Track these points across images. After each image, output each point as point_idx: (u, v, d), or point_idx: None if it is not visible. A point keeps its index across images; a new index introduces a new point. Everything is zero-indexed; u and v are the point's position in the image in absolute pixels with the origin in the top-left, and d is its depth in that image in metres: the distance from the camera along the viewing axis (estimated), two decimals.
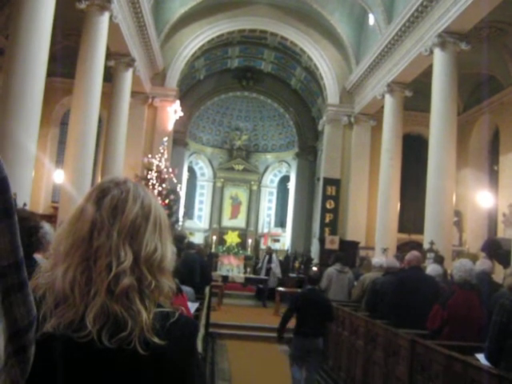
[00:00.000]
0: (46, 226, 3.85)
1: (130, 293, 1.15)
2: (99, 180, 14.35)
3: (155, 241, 1.21)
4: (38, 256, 3.14)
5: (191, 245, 9.80)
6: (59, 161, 18.14)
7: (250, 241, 26.68)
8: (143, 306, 1.15)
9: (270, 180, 28.92)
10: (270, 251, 18.24)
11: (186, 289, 5.08)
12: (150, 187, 15.78)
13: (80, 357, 1.12)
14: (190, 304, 4.58)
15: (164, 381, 1.15)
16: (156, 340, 1.12)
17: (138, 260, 1.18)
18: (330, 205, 20.41)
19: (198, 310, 5.87)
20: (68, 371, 1.11)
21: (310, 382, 6.46)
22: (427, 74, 14.24)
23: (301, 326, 6.45)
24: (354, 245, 16.78)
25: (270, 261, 17.42)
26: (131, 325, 1.12)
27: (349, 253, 14.10)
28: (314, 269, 16.53)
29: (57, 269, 1.17)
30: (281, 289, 14.70)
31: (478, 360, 3.84)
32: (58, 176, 16.49)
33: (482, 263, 6.24)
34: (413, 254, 6.35)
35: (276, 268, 17.19)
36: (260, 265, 18.53)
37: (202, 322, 6.88)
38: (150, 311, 1.15)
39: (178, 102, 20.20)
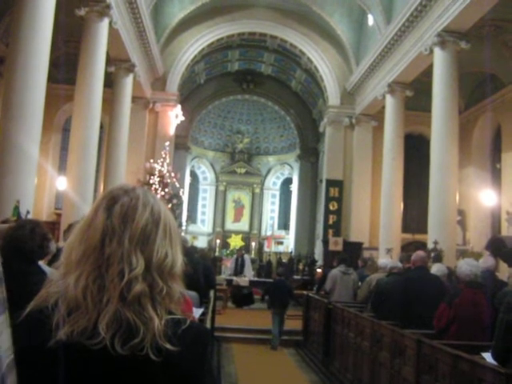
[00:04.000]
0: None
1: (142, 299, 1.15)
2: (102, 186, 14.34)
3: (166, 247, 1.22)
4: (41, 262, 3.21)
5: (194, 249, 9.78)
6: (62, 167, 18.16)
7: (253, 244, 26.68)
8: (155, 312, 1.15)
9: (273, 182, 28.93)
10: (241, 253, 17.21)
11: (191, 293, 5.05)
12: (153, 192, 15.75)
13: (93, 364, 1.12)
14: (194, 309, 4.56)
15: None
16: (168, 346, 1.12)
17: (150, 266, 1.18)
18: (333, 206, 20.40)
19: (204, 314, 5.85)
20: (82, 378, 1.12)
21: (280, 326, 10.60)
22: (428, 73, 14.23)
23: (273, 301, 10.75)
24: (357, 246, 16.75)
25: (242, 264, 16.35)
26: (143, 331, 1.12)
27: (353, 254, 14.05)
28: (319, 270, 16.53)
29: (69, 277, 1.17)
30: None
31: (484, 359, 3.82)
32: (61, 182, 16.50)
33: (486, 261, 6.21)
34: (418, 255, 6.36)
35: (250, 271, 16.54)
36: (232, 270, 16.48)
37: (207, 326, 6.88)
38: (162, 317, 1.15)
39: (179, 107, 20.24)
